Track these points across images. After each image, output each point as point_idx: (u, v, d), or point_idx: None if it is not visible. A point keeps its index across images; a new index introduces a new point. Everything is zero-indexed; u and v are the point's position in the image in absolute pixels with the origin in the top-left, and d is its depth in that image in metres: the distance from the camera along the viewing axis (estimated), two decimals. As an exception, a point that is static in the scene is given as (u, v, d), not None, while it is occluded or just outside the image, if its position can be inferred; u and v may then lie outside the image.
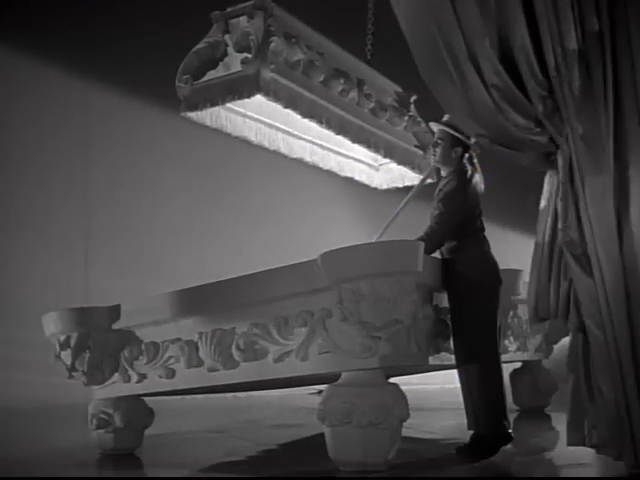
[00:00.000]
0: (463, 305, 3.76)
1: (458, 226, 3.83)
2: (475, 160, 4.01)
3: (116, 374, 3.95)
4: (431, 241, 3.75)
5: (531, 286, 3.40)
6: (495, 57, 3.27)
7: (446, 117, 4.03)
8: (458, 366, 3.80)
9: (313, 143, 5.11)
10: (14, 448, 4.36)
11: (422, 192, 4.73)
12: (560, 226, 3.26)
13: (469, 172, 3.92)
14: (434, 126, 4.09)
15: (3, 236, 6.67)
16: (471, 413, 3.77)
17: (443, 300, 3.86)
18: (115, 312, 3.88)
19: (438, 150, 3.99)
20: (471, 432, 3.78)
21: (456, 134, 3.93)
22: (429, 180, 5.13)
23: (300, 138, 4.99)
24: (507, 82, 3.27)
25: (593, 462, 3.74)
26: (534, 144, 3.36)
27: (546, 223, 3.38)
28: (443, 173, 4.04)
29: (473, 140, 3.97)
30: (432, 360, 3.82)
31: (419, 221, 4.00)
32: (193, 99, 4.12)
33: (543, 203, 3.43)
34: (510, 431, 3.76)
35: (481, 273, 3.79)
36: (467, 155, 3.97)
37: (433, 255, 3.85)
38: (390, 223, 4.79)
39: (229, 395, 6.45)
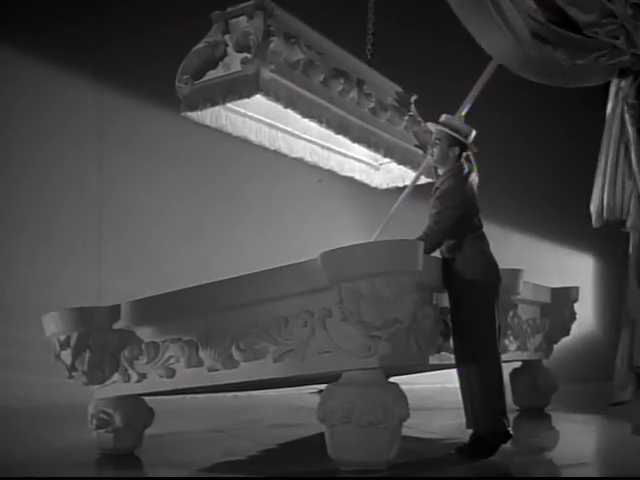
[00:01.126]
0: (463, 304, 3.76)
1: (456, 224, 3.83)
2: (472, 158, 4.02)
3: (116, 374, 3.95)
4: (430, 240, 3.76)
5: (596, 190, 3.45)
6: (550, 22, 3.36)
7: (443, 117, 4.04)
8: (458, 365, 3.80)
9: (313, 143, 5.11)
10: (14, 448, 4.35)
11: (421, 192, 4.73)
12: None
13: (466, 170, 3.92)
14: (432, 126, 4.09)
15: (3, 236, 6.66)
16: (470, 412, 3.77)
17: (443, 299, 3.86)
18: (115, 312, 3.88)
19: (436, 150, 3.99)
20: (470, 431, 3.78)
21: (453, 134, 3.94)
22: (428, 179, 5.14)
23: (300, 138, 4.99)
24: (574, 37, 3.34)
25: (593, 462, 3.75)
26: (615, 65, 3.48)
27: (612, 126, 3.44)
28: (440, 172, 4.05)
29: (470, 139, 3.98)
30: (432, 360, 3.82)
31: (418, 220, 4.00)
32: (193, 99, 4.13)
33: (609, 109, 3.50)
34: (510, 429, 3.77)
35: (481, 272, 3.80)
36: (464, 154, 3.98)
37: (433, 254, 3.86)
38: (386, 222, 4.79)
39: (229, 395, 6.46)
